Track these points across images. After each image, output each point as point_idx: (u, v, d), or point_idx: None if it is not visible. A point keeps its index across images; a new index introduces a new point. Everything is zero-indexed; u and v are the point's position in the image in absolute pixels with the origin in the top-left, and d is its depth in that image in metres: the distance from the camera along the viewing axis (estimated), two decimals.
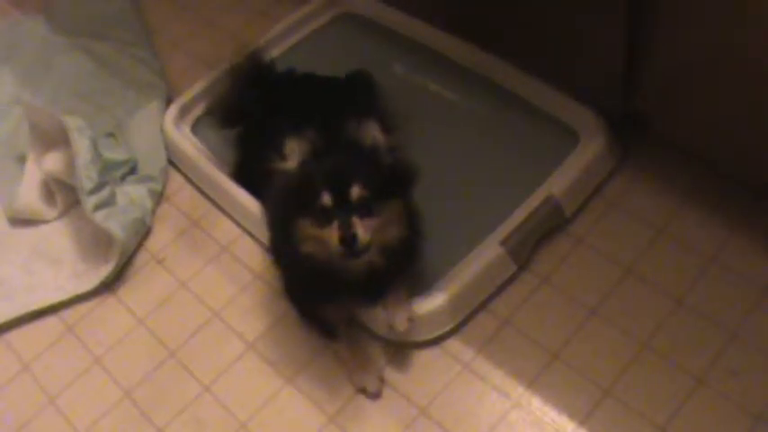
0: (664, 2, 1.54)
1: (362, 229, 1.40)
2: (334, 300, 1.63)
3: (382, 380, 1.62)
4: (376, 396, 1.60)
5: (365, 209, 1.42)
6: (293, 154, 1.47)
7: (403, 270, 1.60)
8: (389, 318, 1.60)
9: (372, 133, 1.47)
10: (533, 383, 1.59)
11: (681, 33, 1.56)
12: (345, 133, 1.50)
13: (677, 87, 1.67)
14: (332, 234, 1.40)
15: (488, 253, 1.70)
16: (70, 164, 1.95)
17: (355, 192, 1.41)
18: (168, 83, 2.30)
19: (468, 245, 1.73)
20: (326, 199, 1.41)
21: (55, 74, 2.36)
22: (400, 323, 1.58)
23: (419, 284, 1.67)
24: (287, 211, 1.49)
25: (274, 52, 2.18)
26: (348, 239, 1.39)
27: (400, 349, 1.68)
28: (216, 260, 1.91)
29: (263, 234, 1.89)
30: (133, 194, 2.00)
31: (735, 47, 1.48)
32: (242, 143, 1.94)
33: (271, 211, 1.64)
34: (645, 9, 1.57)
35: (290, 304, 1.75)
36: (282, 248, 1.60)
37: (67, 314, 1.87)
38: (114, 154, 2.06)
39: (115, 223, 1.89)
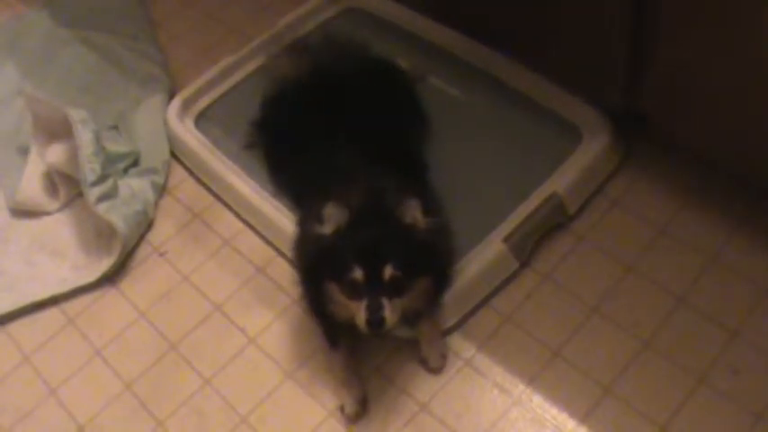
0: (666, 1, 1.53)
1: (390, 312, 1.39)
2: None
3: (363, 404, 1.60)
4: (351, 420, 1.59)
5: (395, 289, 1.40)
6: (331, 219, 1.44)
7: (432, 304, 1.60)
8: (424, 353, 1.64)
9: (413, 213, 1.44)
10: (534, 381, 1.59)
11: (682, 33, 1.56)
12: (385, 205, 1.47)
13: (678, 87, 1.67)
14: (359, 310, 1.39)
15: (491, 250, 1.70)
16: (73, 156, 1.95)
17: (388, 272, 1.39)
18: (171, 76, 2.30)
19: (470, 241, 1.72)
20: (358, 274, 1.39)
21: (58, 66, 2.36)
22: (434, 360, 1.63)
23: None
24: (318, 270, 1.48)
25: (279, 46, 2.17)
26: (375, 322, 1.38)
27: (403, 345, 1.68)
28: (218, 254, 1.91)
29: (265, 228, 1.90)
30: (135, 187, 2.00)
31: (735, 47, 1.48)
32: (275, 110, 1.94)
33: (302, 254, 1.60)
34: (647, 8, 1.57)
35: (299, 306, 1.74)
36: (311, 288, 1.58)
37: (69, 306, 1.88)
38: (117, 146, 2.06)
39: (117, 215, 1.89)
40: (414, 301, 1.45)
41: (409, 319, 1.51)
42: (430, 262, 1.47)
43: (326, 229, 1.45)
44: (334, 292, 1.44)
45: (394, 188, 1.52)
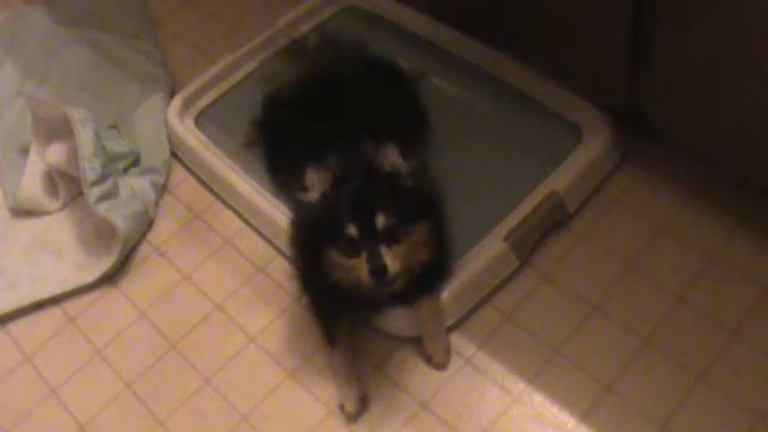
0: (666, 2, 1.53)
1: (391, 259, 1.38)
2: (357, 313, 1.65)
3: (364, 403, 1.60)
4: (351, 418, 1.59)
5: (392, 236, 1.40)
6: (314, 185, 1.44)
7: (433, 288, 1.61)
8: (427, 349, 1.64)
9: (391, 159, 1.44)
10: (535, 379, 1.59)
11: (684, 32, 1.55)
12: (363, 158, 1.47)
13: (679, 86, 1.67)
14: (361, 265, 1.39)
15: (491, 248, 1.70)
16: (73, 155, 1.95)
17: (380, 221, 1.39)
18: (171, 75, 2.30)
19: (471, 240, 1.72)
20: (352, 230, 1.39)
21: (58, 65, 2.36)
22: (438, 356, 1.64)
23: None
24: (314, 240, 1.47)
25: (279, 45, 2.17)
26: (378, 271, 1.37)
27: (402, 344, 1.68)
28: (218, 253, 1.91)
29: (266, 227, 1.90)
30: (136, 186, 2.00)
31: (736, 47, 1.48)
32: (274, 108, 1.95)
33: (296, 236, 1.60)
34: (648, 8, 1.57)
35: (305, 302, 1.73)
36: (310, 272, 1.58)
37: (69, 305, 1.88)
38: (117, 146, 2.06)
39: (117, 215, 1.89)
40: (415, 250, 1.44)
41: (416, 275, 1.49)
42: (421, 206, 1.46)
43: (312, 196, 1.45)
44: (335, 256, 1.43)
45: (370, 143, 1.51)
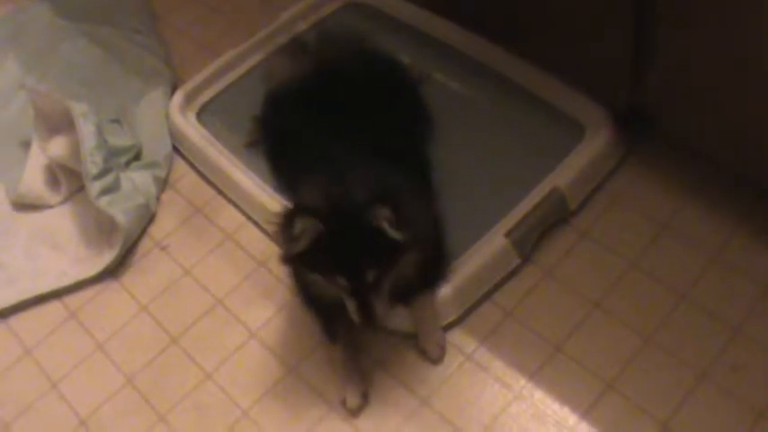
0: (666, 2, 1.53)
1: (381, 305, 1.43)
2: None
3: (365, 398, 1.61)
4: (353, 413, 1.59)
5: (380, 283, 1.44)
6: (303, 235, 1.40)
7: (429, 287, 1.63)
8: (422, 344, 1.65)
9: (380, 224, 1.39)
10: (535, 376, 1.59)
11: (685, 32, 1.56)
12: (354, 210, 1.41)
13: (681, 85, 1.67)
14: (349, 305, 1.44)
15: (493, 244, 1.70)
16: (75, 149, 1.95)
17: (370, 276, 1.42)
18: (173, 69, 2.30)
19: (472, 236, 1.73)
20: (342, 282, 1.42)
21: (60, 60, 2.35)
22: (432, 351, 1.64)
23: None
24: (303, 265, 1.48)
25: (280, 40, 2.18)
26: (368, 318, 1.43)
27: (403, 339, 1.68)
28: (219, 248, 1.91)
29: (267, 222, 1.89)
30: (137, 181, 2.00)
31: (736, 46, 1.48)
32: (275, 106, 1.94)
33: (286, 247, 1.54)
34: (650, 7, 1.57)
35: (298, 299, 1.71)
36: (301, 280, 1.60)
37: (70, 300, 1.88)
38: (119, 140, 2.05)
39: (119, 209, 1.89)
40: (402, 272, 1.47)
41: (404, 290, 1.52)
42: (411, 244, 1.44)
43: (300, 245, 1.41)
44: (321, 282, 1.46)
45: (366, 183, 1.47)
